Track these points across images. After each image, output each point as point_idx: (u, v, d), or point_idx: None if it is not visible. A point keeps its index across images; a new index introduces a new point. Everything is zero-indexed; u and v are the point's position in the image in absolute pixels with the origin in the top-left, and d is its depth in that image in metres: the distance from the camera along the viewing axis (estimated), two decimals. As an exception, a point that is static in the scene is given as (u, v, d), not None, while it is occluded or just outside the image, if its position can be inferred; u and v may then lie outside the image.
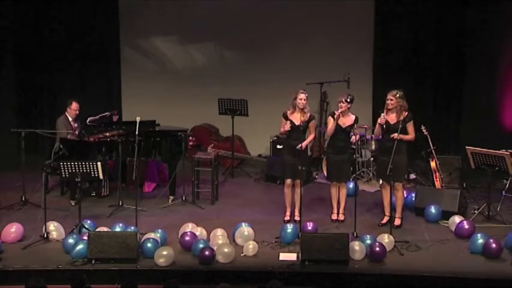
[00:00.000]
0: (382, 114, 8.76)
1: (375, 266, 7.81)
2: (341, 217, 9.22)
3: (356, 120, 9.02)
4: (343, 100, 8.93)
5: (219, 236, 8.26)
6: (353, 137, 9.05)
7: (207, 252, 7.76)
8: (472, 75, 11.52)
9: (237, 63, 12.66)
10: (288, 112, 9.01)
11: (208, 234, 8.40)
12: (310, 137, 9.09)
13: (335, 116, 8.92)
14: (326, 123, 9.14)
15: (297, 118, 9.01)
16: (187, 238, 8.18)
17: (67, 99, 10.44)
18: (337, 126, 8.97)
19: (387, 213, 8.97)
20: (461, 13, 11.68)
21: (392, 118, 8.81)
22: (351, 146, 9.10)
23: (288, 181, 9.14)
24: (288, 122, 8.95)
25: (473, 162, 9.43)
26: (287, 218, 9.21)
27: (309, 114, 9.02)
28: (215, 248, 7.88)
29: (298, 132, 9.02)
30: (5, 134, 11.35)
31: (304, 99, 8.94)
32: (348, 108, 8.97)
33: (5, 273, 7.57)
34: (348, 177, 9.34)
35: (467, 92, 11.68)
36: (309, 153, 9.97)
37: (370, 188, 10.76)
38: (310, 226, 8.55)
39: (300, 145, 8.89)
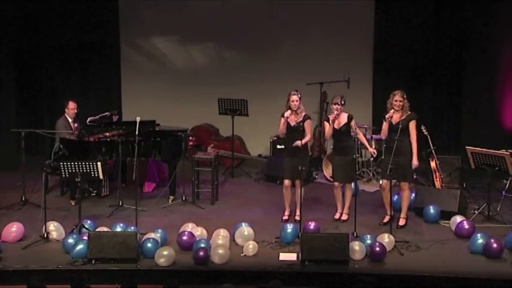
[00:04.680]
0: (392, 111, 8.70)
1: (375, 266, 7.81)
2: (344, 217, 9.22)
3: (350, 118, 8.98)
4: (338, 102, 8.91)
5: (220, 236, 8.25)
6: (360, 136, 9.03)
7: (201, 253, 7.74)
8: (472, 75, 11.49)
9: (237, 63, 12.65)
10: (286, 113, 9.00)
11: (209, 234, 8.40)
12: (307, 138, 9.05)
13: (330, 120, 8.92)
14: (323, 128, 9.13)
15: (292, 119, 9.02)
16: (184, 238, 8.18)
17: (67, 99, 10.45)
18: (333, 129, 8.98)
19: (388, 212, 8.96)
20: (461, 13, 11.66)
21: (395, 118, 8.80)
22: (353, 146, 9.06)
23: (286, 182, 9.14)
24: (283, 119, 8.93)
25: (473, 162, 9.42)
26: (285, 217, 9.22)
27: (303, 115, 9.02)
28: (210, 249, 7.86)
29: (294, 133, 9.02)
30: (5, 134, 11.36)
31: (296, 100, 8.93)
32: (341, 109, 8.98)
33: (5, 273, 7.57)
34: (351, 178, 9.18)
35: (467, 92, 11.65)
36: (309, 153, 9.94)
37: (370, 188, 10.76)
38: (312, 225, 8.55)
39: (296, 143, 8.88)
